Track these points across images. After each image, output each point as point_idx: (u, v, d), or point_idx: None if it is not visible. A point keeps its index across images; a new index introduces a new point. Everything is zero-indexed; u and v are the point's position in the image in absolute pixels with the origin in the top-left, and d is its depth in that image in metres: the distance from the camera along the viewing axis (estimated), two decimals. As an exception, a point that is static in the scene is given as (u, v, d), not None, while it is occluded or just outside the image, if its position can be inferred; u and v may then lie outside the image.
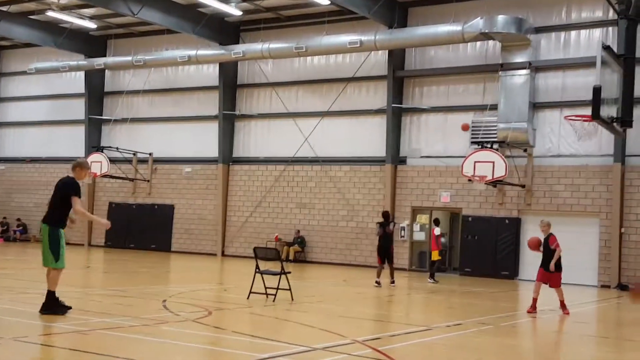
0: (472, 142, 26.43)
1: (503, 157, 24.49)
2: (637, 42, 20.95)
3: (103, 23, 33.76)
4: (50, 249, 10.78)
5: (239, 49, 30.25)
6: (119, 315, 11.17)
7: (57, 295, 10.85)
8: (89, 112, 35.95)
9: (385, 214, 21.09)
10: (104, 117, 36.30)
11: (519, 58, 25.95)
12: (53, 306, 10.74)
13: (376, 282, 19.93)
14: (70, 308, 10.91)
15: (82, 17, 32.37)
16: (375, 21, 27.66)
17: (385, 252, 20.26)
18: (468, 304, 17.33)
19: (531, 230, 25.95)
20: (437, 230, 22.64)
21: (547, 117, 26.13)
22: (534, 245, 15.48)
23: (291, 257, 29.49)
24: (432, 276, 22.78)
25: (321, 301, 15.70)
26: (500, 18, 25.27)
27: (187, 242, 33.43)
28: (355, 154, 29.64)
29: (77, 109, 36.55)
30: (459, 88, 27.93)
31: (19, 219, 37.61)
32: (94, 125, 36.20)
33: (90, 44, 35.44)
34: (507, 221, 26.40)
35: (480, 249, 26.62)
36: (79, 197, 10.86)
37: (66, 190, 10.84)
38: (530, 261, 25.75)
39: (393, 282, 20.35)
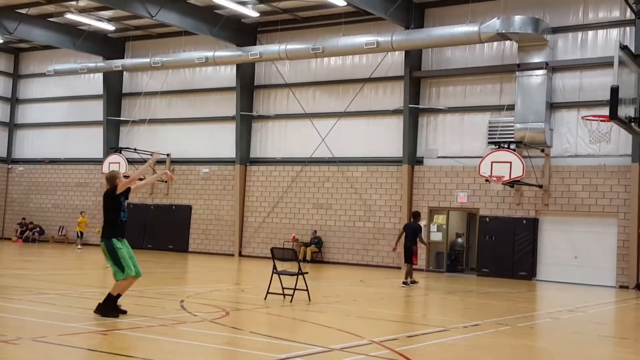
0: (489, 143, 26.37)
1: (520, 157, 24.40)
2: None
3: (121, 25, 33.97)
4: (113, 262, 11.02)
5: (256, 50, 30.34)
6: (137, 315, 11.25)
7: (117, 300, 11.03)
8: (107, 114, 36.17)
9: (412, 214, 21.23)
10: (122, 119, 36.51)
11: (536, 58, 25.84)
12: (106, 309, 10.84)
13: (408, 282, 19.97)
14: (125, 312, 11.03)
15: (100, 19, 32.58)
16: (392, 22, 27.64)
17: (405, 250, 20.16)
18: (485, 305, 17.30)
19: (549, 231, 25.96)
20: None
21: (565, 118, 26.01)
22: None
23: (308, 257, 29.53)
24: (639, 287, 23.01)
25: (338, 302, 15.71)
26: (517, 18, 25.18)
27: (205, 242, 33.56)
28: (372, 155, 29.64)
29: (96, 110, 36.81)
30: (475, 88, 27.86)
31: (31, 222, 37.88)
32: (112, 127, 36.42)
33: (109, 46, 35.69)
34: (524, 221, 26.29)
35: (498, 249, 26.53)
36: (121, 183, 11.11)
37: (106, 199, 11.23)
38: (548, 262, 25.78)
39: (404, 282, 20.05)
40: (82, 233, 32.26)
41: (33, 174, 39.56)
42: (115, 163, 32.36)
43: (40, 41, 35.13)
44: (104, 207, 11.37)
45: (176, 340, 9.45)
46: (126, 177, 11.52)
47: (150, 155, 33.60)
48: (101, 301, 10.93)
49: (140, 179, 12.38)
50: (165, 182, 9.96)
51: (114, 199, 11.19)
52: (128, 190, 11.30)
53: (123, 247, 11.11)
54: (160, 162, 34.42)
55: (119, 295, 11.04)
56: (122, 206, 11.24)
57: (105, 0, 28.04)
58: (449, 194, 27.96)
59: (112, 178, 11.42)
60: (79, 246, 32.08)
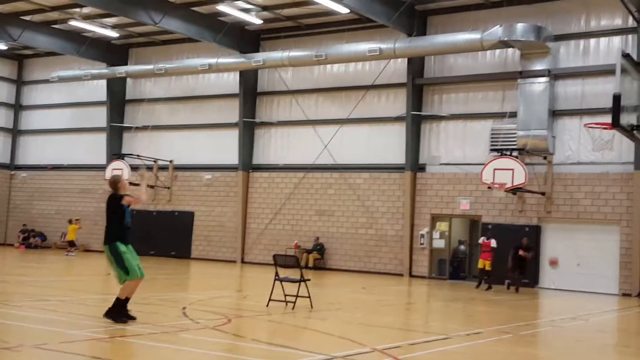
0: (492, 150, 26.36)
1: (523, 164, 24.40)
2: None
3: (125, 32, 34.05)
4: (118, 266, 11.06)
5: (259, 57, 30.39)
6: (139, 322, 11.25)
7: (127, 304, 11.13)
8: (110, 120, 36.25)
9: None
10: (125, 125, 36.57)
11: (538, 66, 25.86)
12: (116, 313, 10.93)
13: None
14: (134, 318, 11.07)
15: (104, 26, 32.67)
16: (395, 29, 27.68)
17: None
18: (488, 313, 17.28)
19: (551, 238, 25.94)
20: None
21: (567, 125, 25.99)
22: None
23: (310, 264, 29.50)
24: None
25: (340, 309, 15.71)
26: (520, 26, 25.19)
27: (207, 249, 33.56)
28: (374, 161, 29.64)
29: (99, 116, 36.88)
30: (478, 95, 27.88)
31: (32, 230, 37.89)
32: (116, 133, 36.49)
33: (112, 53, 35.77)
34: (527, 229, 26.25)
35: (500, 256, 26.43)
36: (125, 200, 11.34)
37: (111, 206, 11.34)
38: (551, 269, 25.75)
39: None
40: (72, 241, 32.18)
41: (36, 180, 39.61)
42: (118, 169, 32.34)
43: (44, 48, 35.23)
44: (107, 211, 11.38)
45: (178, 347, 9.46)
46: (133, 184, 11.71)
47: (154, 161, 33.83)
48: (110, 306, 10.96)
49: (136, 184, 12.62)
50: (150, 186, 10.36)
51: (116, 204, 11.21)
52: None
53: (127, 252, 11.11)
54: (164, 168, 34.48)
55: (127, 299, 11.07)
56: (126, 211, 11.27)
57: (109, 7, 28.12)
58: (451, 201, 27.93)
59: (114, 182, 11.54)
60: (72, 252, 31.81)
